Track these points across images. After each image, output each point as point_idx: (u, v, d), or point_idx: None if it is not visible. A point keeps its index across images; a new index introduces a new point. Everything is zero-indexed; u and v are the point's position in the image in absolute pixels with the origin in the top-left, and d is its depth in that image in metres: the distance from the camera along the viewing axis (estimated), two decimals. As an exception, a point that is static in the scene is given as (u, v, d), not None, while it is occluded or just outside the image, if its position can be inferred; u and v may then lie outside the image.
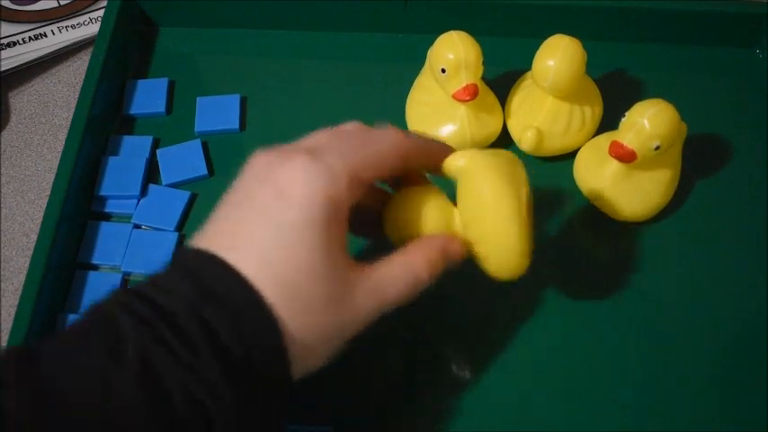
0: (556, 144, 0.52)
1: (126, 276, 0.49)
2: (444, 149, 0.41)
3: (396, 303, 0.37)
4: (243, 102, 0.56)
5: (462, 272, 0.49)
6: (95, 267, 0.50)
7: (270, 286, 0.33)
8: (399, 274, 0.37)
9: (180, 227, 0.51)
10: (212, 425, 0.32)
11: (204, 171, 0.53)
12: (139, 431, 0.31)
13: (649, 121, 0.46)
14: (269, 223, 0.34)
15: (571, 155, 0.53)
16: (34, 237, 0.48)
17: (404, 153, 0.38)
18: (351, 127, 0.39)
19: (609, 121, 0.53)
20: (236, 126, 0.55)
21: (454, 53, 0.49)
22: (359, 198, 0.37)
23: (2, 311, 0.49)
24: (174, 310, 0.32)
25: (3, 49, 0.59)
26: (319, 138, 0.38)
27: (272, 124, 0.56)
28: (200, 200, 0.52)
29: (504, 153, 0.40)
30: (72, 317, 0.47)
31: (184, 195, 0.52)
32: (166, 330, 0.32)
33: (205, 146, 0.54)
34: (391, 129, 0.39)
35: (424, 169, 0.42)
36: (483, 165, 0.38)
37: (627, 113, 0.48)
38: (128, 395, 0.31)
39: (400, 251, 0.38)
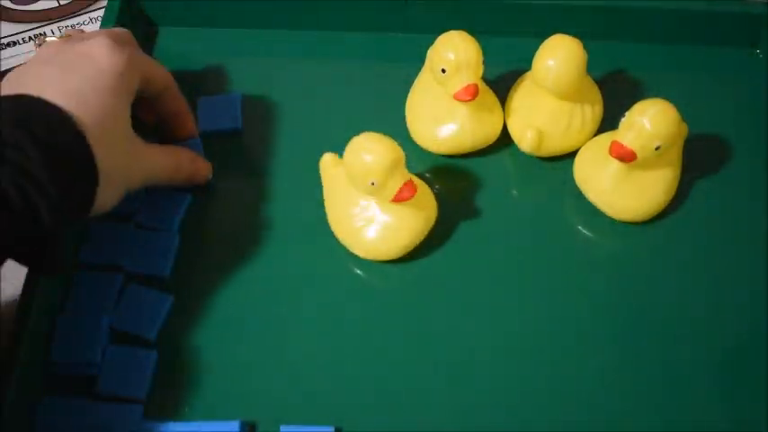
0: (556, 144, 0.52)
1: (125, 277, 0.49)
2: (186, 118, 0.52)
3: (159, 182, 0.49)
4: (243, 101, 0.56)
5: (465, 272, 0.50)
6: (96, 267, 0.50)
7: (83, 118, 0.41)
8: (169, 165, 0.49)
9: (180, 227, 0.51)
10: (38, 216, 0.38)
11: (239, 124, 0.55)
12: None
13: (650, 121, 0.46)
14: (78, 75, 0.43)
15: (571, 155, 0.53)
16: (34, 237, 0.48)
17: (167, 82, 0.50)
18: None
19: (609, 121, 0.53)
20: (239, 125, 0.55)
21: (454, 53, 0.49)
22: (136, 87, 0.47)
23: (2, 311, 0.49)
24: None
25: (3, 48, 0.60)
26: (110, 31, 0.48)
27: (272, 124, 0.56)
28: (200, 201, 0.52)
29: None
30: (72, 317, 0.47)
31: (185, 196, 0.52)
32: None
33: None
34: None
35: (171, 112, 0.52)
36: None
37: (627, 113, 0.48)
38: None
39: (169, 148, 0.50)
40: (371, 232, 0.48)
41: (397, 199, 0.46)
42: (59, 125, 0.40)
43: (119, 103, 0.44)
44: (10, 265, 0.51)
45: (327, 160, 0.50)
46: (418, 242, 0.50)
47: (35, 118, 0.39)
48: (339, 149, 0.47)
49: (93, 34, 0.47)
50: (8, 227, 0.37)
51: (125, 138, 0.44)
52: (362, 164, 0.46)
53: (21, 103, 0.40)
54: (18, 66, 0.50)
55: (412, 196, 0.47)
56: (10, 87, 0.42)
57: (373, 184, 0.46)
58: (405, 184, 0.46)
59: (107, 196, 0.43)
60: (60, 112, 0.40)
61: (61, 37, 0.48)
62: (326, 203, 0.50)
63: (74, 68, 0.43)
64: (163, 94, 0.50)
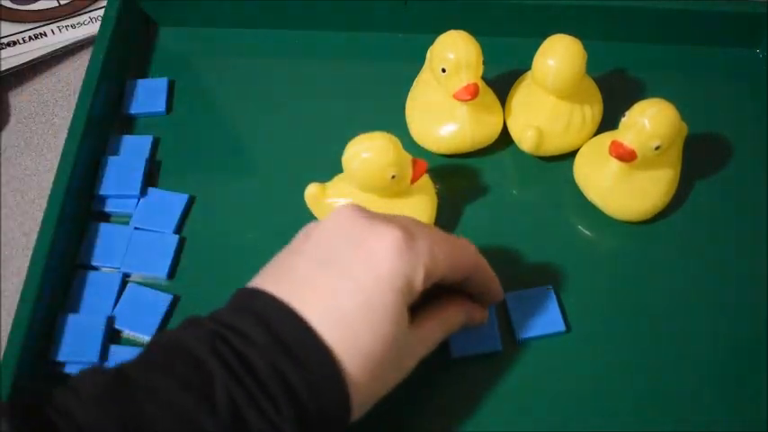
0: (556, 144, 0.52)
1: (125, 277, 0.49)
2: (496, 290, 0.44)
3: (433, 348, 0.42)
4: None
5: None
6: (95, 268, 0.50)
7: (348, 354, 0.36)
8: (439, 327, 0.42)
9: (179, 229, 0.51)
10: None
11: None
12: None
13: (649, 121, 0.46)
14: (356, 292, 0.37)
15: (571, 155, 0.53)
16: (34, 237, 0.48)
17: (473, 269, 0.42)
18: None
19: (609, 121, 0.53)
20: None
21: (454, 53, 0.49)
22: (424, 287, 0.39)
23: (2, 311, 0.49)
24: (255, 362, 0.35)
25: (3, 48, 0.59)
26: (408, 220, 0.40)
27: (272, 124, 0.56)
28: (199, 203, 0.52)
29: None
30: (72, 317, 0.47)
31: (183, 198, 0.52)
32: (252, 383, 0.34)
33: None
34: (469, 243, 0.42)
35: (476, 292, 0.44)
36: None
37: (627, 113, 0.48)
38: None
39: (437, 307, 0.42)
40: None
41: (417, 175, 0.47)
42: (324, 380, 0.35)
43: (399, 331, 0.37)
44: (10, 263, 0.51)
45: (313, 192, 0.49)
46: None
47: (300, 358, 0.35)
48: (339, 149, 0.47)
49: (390, 221, 0.39)
50: None
51: (394, 360, 0.38)
52: (374, 164, 0.46)
53: (285, 323, 0.36)
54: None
55: (425, 166, 0.48)
56: (276, 281, 0.38)
57: (394, 176, 0.46)
58: (413, 161, 0.47)
59: (353, 418, 0.38)
60: (328, 356, 0.35)
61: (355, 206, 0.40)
62: None
63: (351, 280, 0.37)
64: (468, 278, 0.42)
